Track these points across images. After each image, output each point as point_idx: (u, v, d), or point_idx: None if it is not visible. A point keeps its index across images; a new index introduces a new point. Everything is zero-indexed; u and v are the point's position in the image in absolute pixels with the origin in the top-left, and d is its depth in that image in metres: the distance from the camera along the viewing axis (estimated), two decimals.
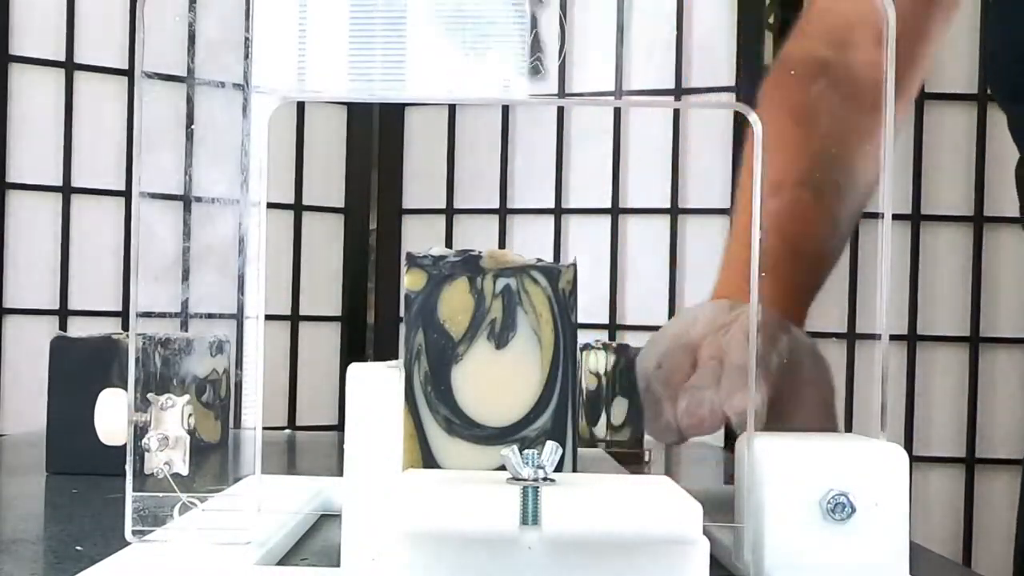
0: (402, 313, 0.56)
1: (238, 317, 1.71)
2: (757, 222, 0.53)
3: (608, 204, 1.90)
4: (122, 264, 1.77)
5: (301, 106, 1.96)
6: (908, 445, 1.78)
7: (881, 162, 0.52)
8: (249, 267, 0.63)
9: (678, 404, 0.62)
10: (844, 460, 0.50)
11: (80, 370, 0.88)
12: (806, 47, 0.84)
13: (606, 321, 1.89)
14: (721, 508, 0.55)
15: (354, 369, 0.51)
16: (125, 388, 0.52)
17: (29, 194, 1.72)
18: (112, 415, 0.53)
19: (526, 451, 0.44)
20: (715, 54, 1.86)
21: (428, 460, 0.52)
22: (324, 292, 2.00)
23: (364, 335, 2.02)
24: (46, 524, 0.70)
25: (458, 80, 1.86)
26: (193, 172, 0.75)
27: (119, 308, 1.77)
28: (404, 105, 2.02)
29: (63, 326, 1.73)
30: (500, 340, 0.53)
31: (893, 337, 1.77)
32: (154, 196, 0.57)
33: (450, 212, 2.00)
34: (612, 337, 1.88)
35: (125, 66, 1.78)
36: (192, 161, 0.75)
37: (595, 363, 1.06)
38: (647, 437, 1.08)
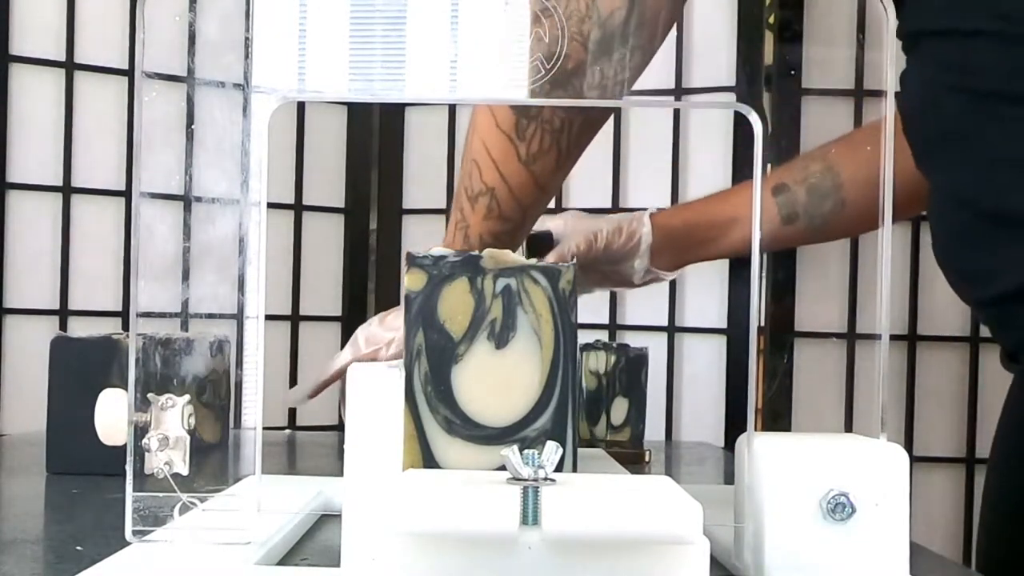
0: (402, 313, 0.56)
1: (238, 317, 1.71)
2: (757, 222, 0.53)
3: (608, 204, 1.90)
4: (122, 264, 1.77)
5: (301, 106, 1.96)
6: (908, 445, 1.78)
7: (882, 164, 0.52)
8: (249, 267, 0.63)
9: None
10: (844, 460, 0.50)
11: (80, 370, 0.88)
12: None
13: (606, 321, 1.89)
14: (721, 508, 0.55)
15: (354, 369, 0.51)
16: (125, 388, 0.52)
17: (29, 194, 1.72)
18: (112, 415, 0.53)
19: (526, 451, 0.44)
20: (715, 54, 1.85)
21: (428, 460, 0.52)
22: (324, 292, 2.00)
23: None
24: (46, 524, 0.70)
25: (458, 80, 1.85)
26: (193, 172, 0.75)
27: (119, 308, 1.77)
28: (404, 105, 2.02)
29: (63, 326, 1.73)
30: (500, 340, 0.53)
31: (893, 337, 1.77)
32: (154, 196, 0.57)
33: (450, 212, 1.99)
34: (612, 337, 1.88)
35: (125, 66, 1.78)
36: (192, 161, 0.75)
37: (595, 363, 1.06)
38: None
